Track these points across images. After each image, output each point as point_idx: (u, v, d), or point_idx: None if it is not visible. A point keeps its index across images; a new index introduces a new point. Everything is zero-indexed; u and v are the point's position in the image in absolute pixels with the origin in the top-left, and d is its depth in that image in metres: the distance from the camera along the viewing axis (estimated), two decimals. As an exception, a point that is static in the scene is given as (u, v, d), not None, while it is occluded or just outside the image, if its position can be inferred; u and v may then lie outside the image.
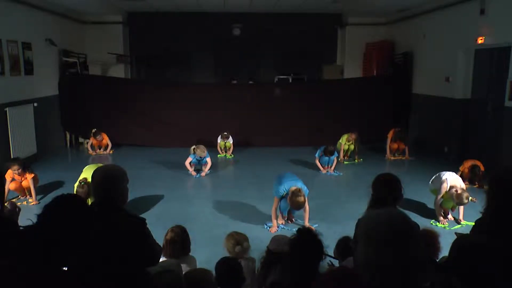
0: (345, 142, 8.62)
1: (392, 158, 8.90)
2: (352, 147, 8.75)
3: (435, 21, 9.31)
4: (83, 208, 1.82)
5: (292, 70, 12.60)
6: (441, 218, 5.35)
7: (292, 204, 4.75)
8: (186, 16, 11.83)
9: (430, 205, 5.73)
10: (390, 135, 8.86)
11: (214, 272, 3.31)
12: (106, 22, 11.58)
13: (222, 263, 2.69)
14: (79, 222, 1.74)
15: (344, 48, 12.40)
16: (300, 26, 12.07)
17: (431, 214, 5.56)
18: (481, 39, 7.55)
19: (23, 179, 5.97)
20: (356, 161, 8.72)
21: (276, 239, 2.88)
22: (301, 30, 12.13)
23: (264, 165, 8.26)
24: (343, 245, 3.05)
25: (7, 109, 7.39)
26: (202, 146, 7.42)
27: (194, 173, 7.51)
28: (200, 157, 7.46)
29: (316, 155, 7.78)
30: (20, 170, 5.86)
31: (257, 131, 9.99)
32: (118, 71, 11.67)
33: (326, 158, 7.75)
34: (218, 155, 9.01)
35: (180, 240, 3.16)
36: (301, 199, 4.67)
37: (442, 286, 1.89)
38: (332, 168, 7.80)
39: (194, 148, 7.43)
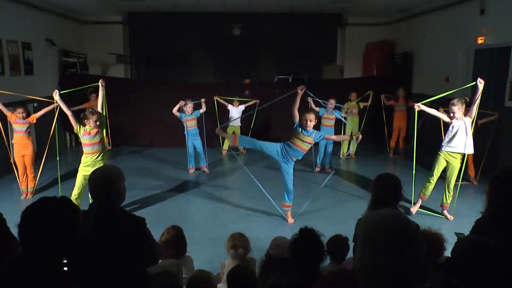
0: (349, 102, 8.87)
1: (393, 156, 9.11)
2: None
3: (435, 21, 9.31)
4: (64, 211, 1.75)
5: (292, 70, 12.60)
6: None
7: (304, 117, 5.02)
8: (186, 16, 11.83)
9: (430, 205, 5.74)
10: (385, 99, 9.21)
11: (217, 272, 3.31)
12: (106, 22, 11.59)
13: (235, 272, 2.61)
14: (60, 225, 1.70)
15: (344, 48, 12.40)
16: (300, 26, 12.07)
17: (431, 214, 5.58)
18: (481, 39, 7.55)
19: (27, 120, 6.16)
20: (351, 155, 8.94)
21: (277, 244, 2.85)
22: (301, 30, 12.13)
23: (264, 165, 8.25)
24: (333, 242, 3.08)
25: (7, 109, 7.38)
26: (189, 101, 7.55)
27: (177, 114, 7.52)
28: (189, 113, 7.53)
29: (320, 113, 7.77)
30: (25, 114, 6.13)
31: (257, 131, 9.97)
32: (118, 71, 11.67)
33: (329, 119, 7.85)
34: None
35: (175, 241, 3.15)
36: (311, 114, 5.04)
37: (442, 286, 1.89)
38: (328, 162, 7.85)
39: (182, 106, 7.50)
